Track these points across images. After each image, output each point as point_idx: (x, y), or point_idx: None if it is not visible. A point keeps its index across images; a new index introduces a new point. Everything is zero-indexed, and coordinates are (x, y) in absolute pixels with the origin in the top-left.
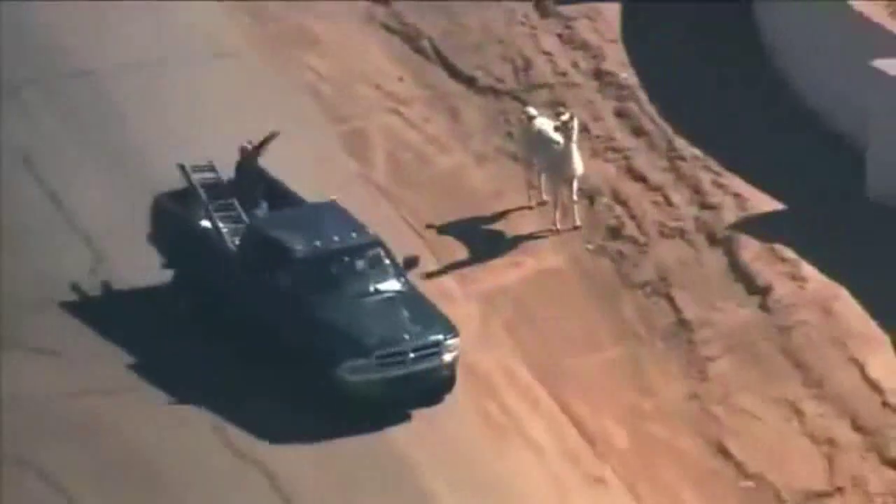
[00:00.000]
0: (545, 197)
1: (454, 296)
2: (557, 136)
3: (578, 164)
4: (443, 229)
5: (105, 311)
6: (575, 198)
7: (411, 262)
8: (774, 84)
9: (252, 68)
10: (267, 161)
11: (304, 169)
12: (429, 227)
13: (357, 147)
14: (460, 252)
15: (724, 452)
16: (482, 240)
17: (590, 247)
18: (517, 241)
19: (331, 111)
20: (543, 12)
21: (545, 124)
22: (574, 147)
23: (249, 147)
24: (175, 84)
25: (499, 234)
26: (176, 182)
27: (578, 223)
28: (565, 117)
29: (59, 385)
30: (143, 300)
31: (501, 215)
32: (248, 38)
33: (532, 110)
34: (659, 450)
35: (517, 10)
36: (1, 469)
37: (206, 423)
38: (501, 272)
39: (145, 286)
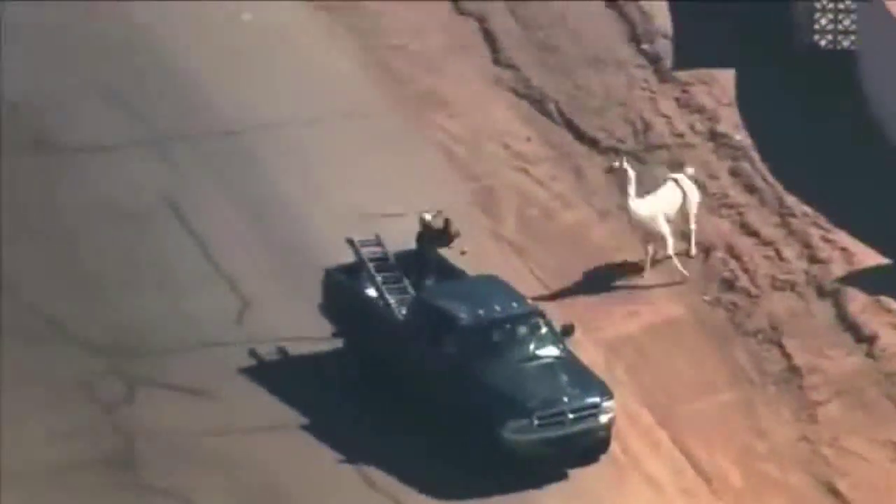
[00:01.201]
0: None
1: (579, 343)
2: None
3: (636, 208)
4: (568, 280)
5: (250, 356)
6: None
7: (568, 330)
8: (881, 142)
9: (388, 127)
10: (407, 220)
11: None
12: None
13: (487, 204)
14: (584, 302)
15: (833, 492)
16: (604, 290)
17: (706, 298)
18: (637, 292)
19: (462, 169)
20: (662, 77)
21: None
22: (629, 192)
23: (428, 219)
24: (315, 141)
25: (620, 286)
26: (310, 231)
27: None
28: (616, 164)
29: (203, 422)
30: (287, 345)
31: (622, 268)
32: (384, 98)
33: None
34: (771, 488)
35: (637, 76)
36: (149, 500)
37: (353, 474)
38: (623, 321)
39: (289, 334)
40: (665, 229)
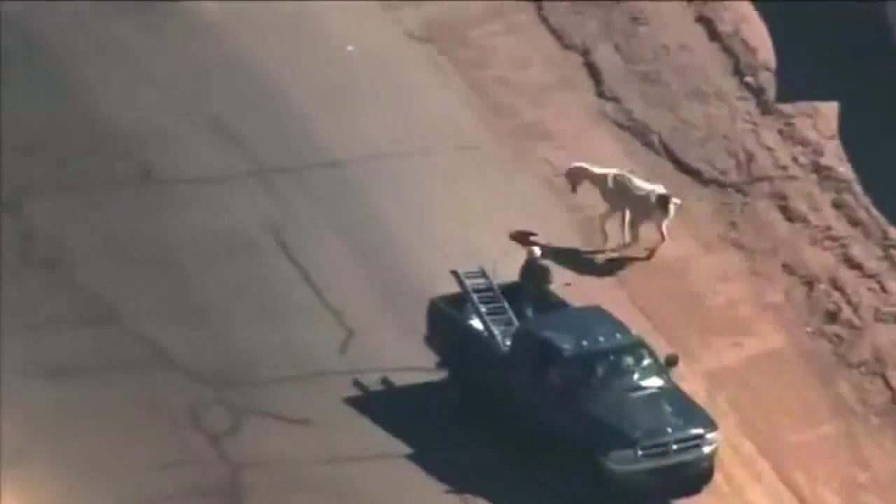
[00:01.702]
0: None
1: (681, 373)
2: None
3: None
4: (670, 312)
5: (354, 386)
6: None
7: (672, 361)
8: None
9: (492, 159)
10: (510, 248)
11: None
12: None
13: (590, 235)
14: (686, 333)
15: None
16: (706, 322)
17: (809, 330)
18: (739, 323)
19: (565, 201)
20: (765, 110)
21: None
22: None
23: (538, 252)
24: (419, 172)
25: (722, 317)
26: (414, 262)
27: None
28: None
29: (309, 452)
30: (391, 375)
31: (724, 299)
32: (488, 130)
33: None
34: None
35: (740, 108)
36: None
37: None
38: (725, 352)
39: (394, 364)
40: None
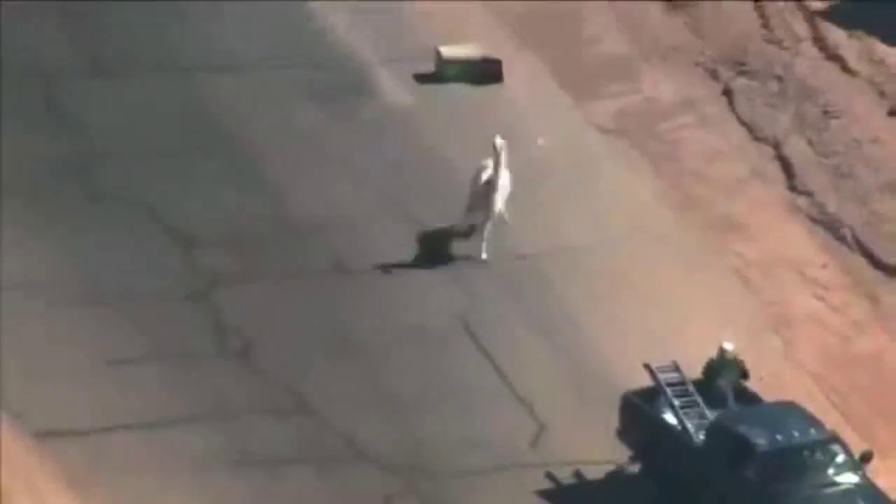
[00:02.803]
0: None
1: (876, 469)
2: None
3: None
4: (864, 408)
5: (548, 479)
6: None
7: (867, 457)
8: None
9: (684, 252)
10: (695, 340)
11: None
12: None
13: (782, 329)
14: (880, 429)
15: None
16: None
17: None
18: None
19: (757, 294)
20: None
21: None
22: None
23: (729, 349)
24: (610, 265)
25: None
26: (604, 354)
27: (484, 257)
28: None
29: None
30: (584, 468)
31: None
32: (680, 223)
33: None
34: None
35: None
36: None
37: None
38: None
39: (585, 458)
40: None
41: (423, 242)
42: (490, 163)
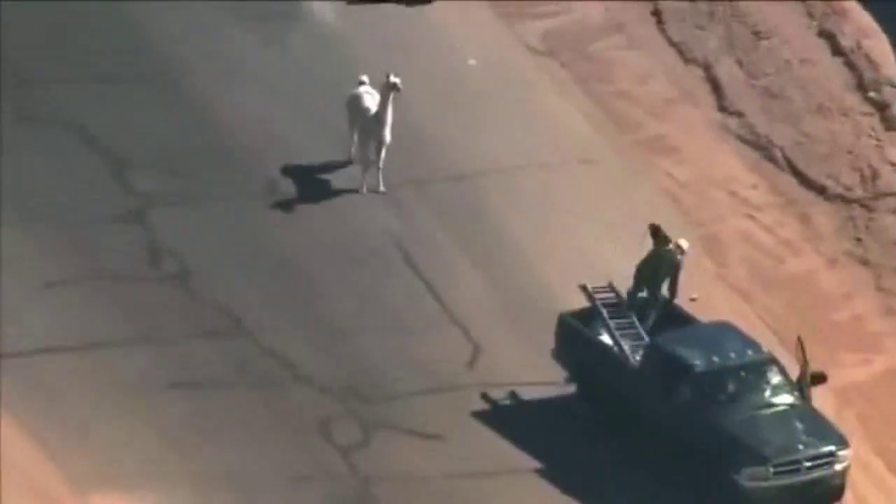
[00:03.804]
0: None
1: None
2: (373, 103)
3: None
4: (796, 328)
5: (482, 400)
6: (381, 165)
7: (820, 378)
8: None
9: (614, 173)
10: (629, 261)
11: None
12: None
13: (714, 250)
14: (813, 349)
15: None
16: (833, 338)
17: None
18: (866, 340)
19: (689, 215)
20: (889, 125)
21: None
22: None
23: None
24: (542, 187)
25: (849, 333)
26: (539, 276)
27: (383, 189)
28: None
29: (438, 466)
30: (519, 389)
31: (850, 315)
32: (610, 145)
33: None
34: None
35: (864, 124)
36: None
37: None
38: (853, 369)
39: (521, 379)
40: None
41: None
42: (363, 91)
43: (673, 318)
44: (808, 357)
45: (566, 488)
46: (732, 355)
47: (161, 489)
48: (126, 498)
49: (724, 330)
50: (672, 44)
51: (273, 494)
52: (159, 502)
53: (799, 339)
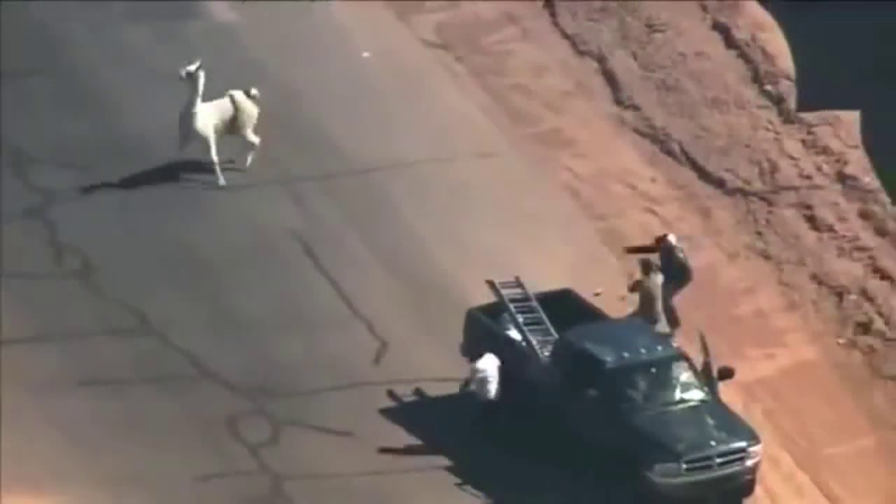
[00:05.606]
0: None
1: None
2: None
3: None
4: (699, 323)
5: (389, 397)
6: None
7: (727, 373)
8: None
9: (513, 167)
10: (531, 255)
11: (566, 263)
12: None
13: (615, 244)
14: (717, 345)
15: None
16: (737, 333)
17: (840, 341)
18: (770, 334)
19: (588, 209)
20: (786, 118)
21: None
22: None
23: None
24: (443, 180)
25: (752, 328)
26: (443, 271)
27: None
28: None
29: (347, 463)
30: (426, 385)
31: (753, 310)
32: (508, 138)
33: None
34: None
35: (761, 117)
36: None
37: None
38: (757, 364)
39: (429, 375)
40: (211, 137)
41: None
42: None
43: (580, 313)
44: (710, 353)
45: (477, 484)
46: (643, 351)
47: (70, 489)
48: (35, 498)
49: (635, 326)
50: (565, 36)
51: (183, 493)
52: (68, 502)
53: (701, 335)
